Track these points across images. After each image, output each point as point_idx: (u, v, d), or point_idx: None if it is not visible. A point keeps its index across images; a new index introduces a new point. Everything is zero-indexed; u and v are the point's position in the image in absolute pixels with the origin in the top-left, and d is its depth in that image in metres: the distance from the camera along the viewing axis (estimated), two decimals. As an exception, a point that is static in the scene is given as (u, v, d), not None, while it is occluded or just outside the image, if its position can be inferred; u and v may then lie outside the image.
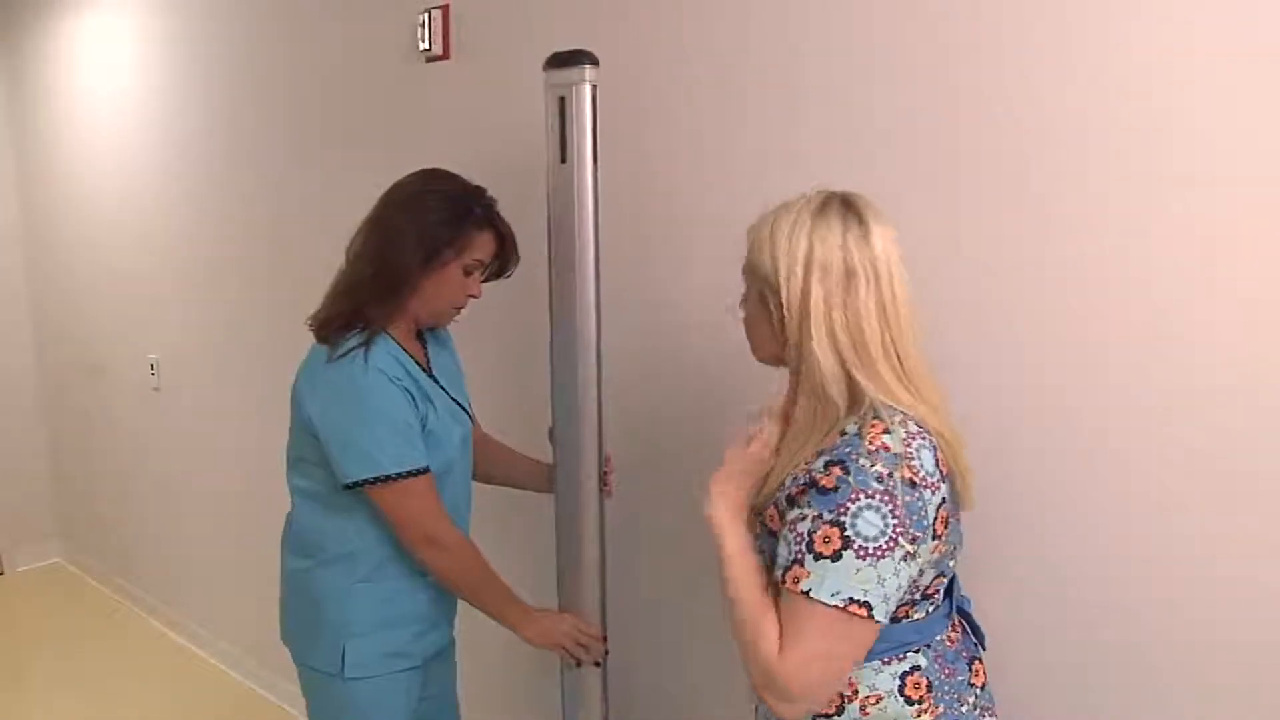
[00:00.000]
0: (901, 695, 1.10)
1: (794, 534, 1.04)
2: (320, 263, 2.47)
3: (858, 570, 0.99)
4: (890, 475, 1.01)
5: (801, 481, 1.06)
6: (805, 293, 1.07)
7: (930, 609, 1.13)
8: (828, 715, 1.12)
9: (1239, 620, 1.20)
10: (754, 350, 1.20)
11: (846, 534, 1.00)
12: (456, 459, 1.63)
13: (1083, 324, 1.27)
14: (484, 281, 1.59)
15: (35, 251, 4.11)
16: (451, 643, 1.80)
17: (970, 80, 1.33)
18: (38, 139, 3.89)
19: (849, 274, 1.07)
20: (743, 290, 1.19)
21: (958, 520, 1.15)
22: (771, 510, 1.12)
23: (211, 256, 2.97)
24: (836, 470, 1.02)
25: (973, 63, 1.33)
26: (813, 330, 1.07)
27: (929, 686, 1.11)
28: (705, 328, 1.67)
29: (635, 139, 1.72)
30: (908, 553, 1.02)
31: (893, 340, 1.08)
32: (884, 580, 1.01)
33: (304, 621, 1.63)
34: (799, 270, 1.08)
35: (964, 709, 1.14)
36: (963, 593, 1.24)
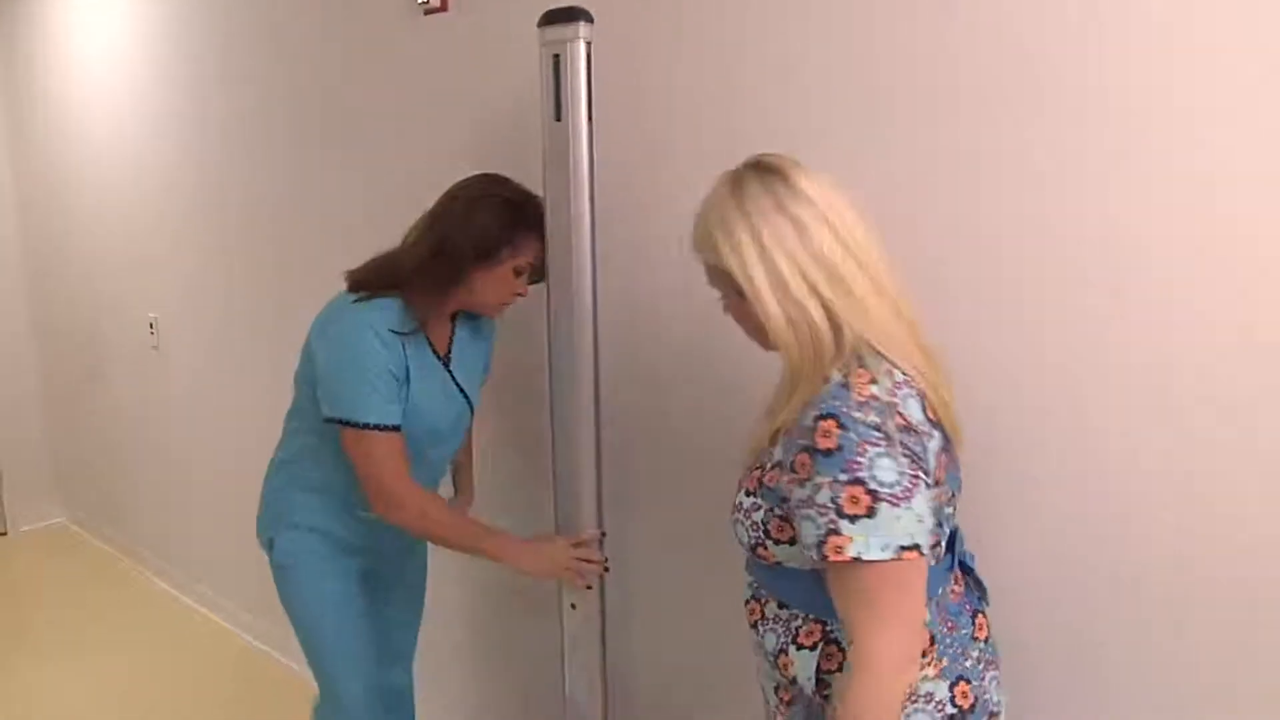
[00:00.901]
0: None
1: (815, 508, 1.02)
2: (318, 217, 2.49)
3: (897, 518, 0.99)
4: (885, 423, 1.01)
5: (799, 445, 1.05)
6: (772, 268, 1.08)
7: (931, 563, 1.11)
8: (829, 671, 1.13)
9: (1247, 578, 1.21)
10: (760, 343, 1.18)
11: (871, 488, 0.99)
12: (447, 435, 1.75)
13: (1088, 280, 1.27)
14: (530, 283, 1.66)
15: (31, 215, 4.10)
16: (400, 575, 1.93)
17: (975, 48, 1.32)
18: (32, 101, 3.86)
19: (799, 228, 1.07)
20: (719, 294, 1.20)
21: (956, 471, 1.15)
22: (774, 473, 1.11)
23: (209, 215, 2.97)
24: (831, 426, 1.01)
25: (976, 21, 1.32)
26: (792, 291, 1.07)
27: (931, 639, 1.11)
28: (701, 286, 1.66)
29: (631, 95, 1.71)
30: (928, 483, 1.03)
31: (860, 264, 1.08)
32: (922, 518, 1.01)
33: (264, 508, 1.82)
34: (754, 255, 1.08)
35: (968, 663, 1.14)
36: (965, 547, 1.24)
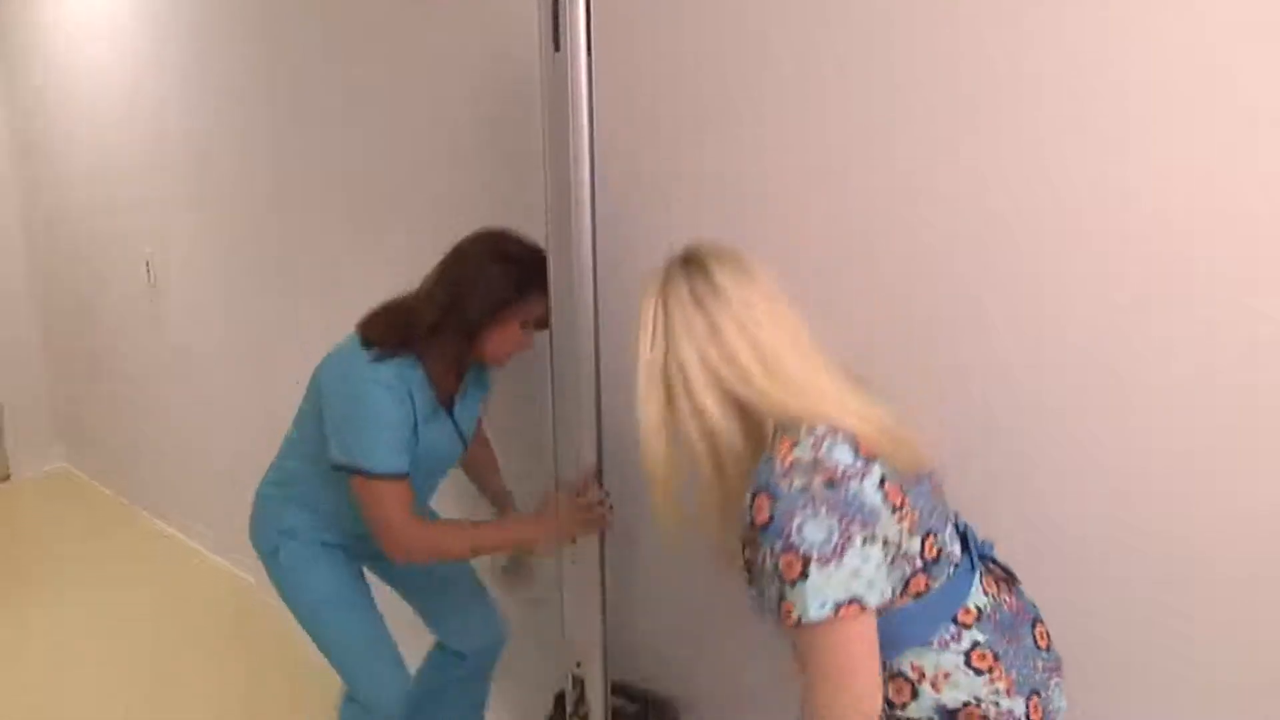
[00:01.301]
0: (970, 667, 1.13)
1: (766, 576, 1.07)
2: (318, 158, 2.44)
3: (829, 576, 1.02)
4: (810, 484, 1.04)
5: (745, 523, 1.09)
6: (690, 387, 1.11)
7: (951, 570, 1.14)
8: (904, 704, 1.15)
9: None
10: None
11: (803, 551, 1.02)
12: (440, 471, 1.83)
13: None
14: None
15: (29, 158, 4.05)
16: None
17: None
18: (29, 46, 3.80)
19: (712, 330, 1.11)
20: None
21: (926, 485, 1.16)
22: (747, 555, 1.13)
23: (208, 152, 2.92)
24: (764, 500, 1.06)
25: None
26: (703, 398, 1.11)
27: (995, 656, 1.14)
28: (707, 224, 1.63)
29: (632, 24, 1.66)
30: (866, 537, 1.04)
31: (759, 357, 1.11)
32: (858, 572, 1.03)
33: (262, 516, 1.86)
34: (675, 376, 1.12)
35: (1038, 675, 1.17)
36: (980, 539, 1.24)
